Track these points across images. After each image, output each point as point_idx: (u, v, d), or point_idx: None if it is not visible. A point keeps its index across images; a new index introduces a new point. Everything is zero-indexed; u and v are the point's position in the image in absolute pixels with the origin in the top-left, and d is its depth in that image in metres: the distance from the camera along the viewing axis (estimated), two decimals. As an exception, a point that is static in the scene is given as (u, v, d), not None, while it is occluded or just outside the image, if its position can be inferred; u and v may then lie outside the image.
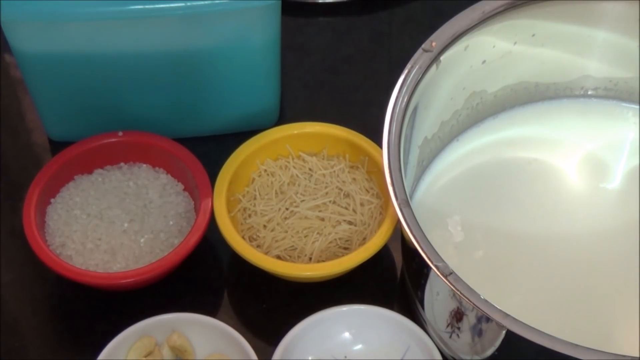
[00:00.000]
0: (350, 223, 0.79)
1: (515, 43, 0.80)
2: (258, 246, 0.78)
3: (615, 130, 0.84)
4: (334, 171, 0.81)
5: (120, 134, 0.83)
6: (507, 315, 0.62)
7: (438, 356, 0.72)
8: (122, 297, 0.79)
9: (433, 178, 0.81)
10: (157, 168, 0.83)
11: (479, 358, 0.69)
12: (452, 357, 0.72)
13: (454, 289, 0.64)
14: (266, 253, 0.77)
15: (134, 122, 0.84)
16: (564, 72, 0.84)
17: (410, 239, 0.66)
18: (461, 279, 0.64)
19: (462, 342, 0.69)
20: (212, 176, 0.80)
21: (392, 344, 0.74)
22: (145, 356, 0.73)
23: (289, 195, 0.80)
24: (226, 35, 0.80)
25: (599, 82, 0.85)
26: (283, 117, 0.90)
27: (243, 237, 0.78)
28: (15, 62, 0.84)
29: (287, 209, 0.79)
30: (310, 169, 0.82)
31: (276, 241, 0.78)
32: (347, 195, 0.80)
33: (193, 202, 0.81)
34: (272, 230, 0.78)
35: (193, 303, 0.79)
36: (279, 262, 0.76)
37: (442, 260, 0.65)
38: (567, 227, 0.79)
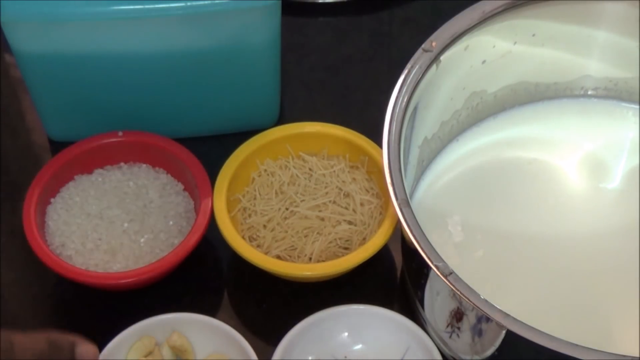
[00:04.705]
0: (350, 223, 0.79)
1: (515, 43, 0.80)
2: (258, 246, 0.78)
3: (615, 130, 0.84)
4: (334, 171, 0.81)
5: (120, 134, 0.83)
6: (507, 315, 0.62)
7: (438, 356, 0.72)
8: (122, 297, 0.79)
9: (433, 178, 0.81)
10: (157, 168, 0.83)
11: (479, 358, 0.69)
12: (452, 357, 0.72)
13: (454, 288, 0.64)
14: (266, 253, 0.77)
15: (133, 122, 0.84)
16: (564, 72, 0.84)
17: (410, 239, 0.66)
18: (461, 279, 0.64)
19: (462, 342, 0.69)
20: (212, 176, 0.80)
21: (392, 344, 0.74)
22: (145, 356, 0.73)
23: (289, 195, 0.80)
24: (226, 35, 0.80)
25: (599, 82, 0.85)
26: (283, 117, 0.90)
27: (243, 237, 0.78)
28: (15, 62, 0.84)
29: (287, 208, 0.79)
30: (310, 169, 0.82)
31: (276, 241, 0.78)
32: (347, 195, 0.80)
33: (193, 202, 0.81)
34: (272, 230, 0.78)
35: (193, 303, 0.79)
36: (279, 262, 0.76)
37: (442, 260, 0.65)
38: (567, 227, 0.79)
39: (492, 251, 0.77)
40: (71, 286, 0.79)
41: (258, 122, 0.87)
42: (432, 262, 0.65)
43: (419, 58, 0.74)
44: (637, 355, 0.62)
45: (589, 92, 0.86)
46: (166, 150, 0.82)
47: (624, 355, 0.60)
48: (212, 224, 0.78)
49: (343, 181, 0.81)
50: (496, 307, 0.63)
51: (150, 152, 0.83)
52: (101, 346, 0.73)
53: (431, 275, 0.68)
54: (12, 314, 0.80)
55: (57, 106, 0.86)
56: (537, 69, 0.83)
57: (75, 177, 0.82)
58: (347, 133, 0.82)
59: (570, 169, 0.82)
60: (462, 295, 0.63)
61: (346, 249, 0.78)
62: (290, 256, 0.77)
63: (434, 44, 0.75)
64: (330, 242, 0.77)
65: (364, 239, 0.78)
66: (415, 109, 0.74)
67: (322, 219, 0.79)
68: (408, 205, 0.68)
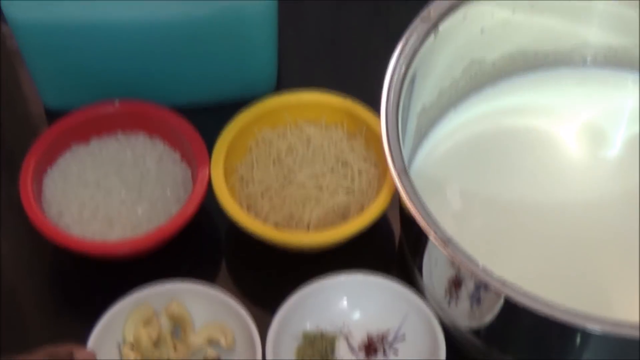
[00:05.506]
0: (348, 192, 0.79)
1: (514, 11, 0.80)
2: (256, 215, 0.78)
3: (614, 98, 0.84)
4: (332, 140, 0.81)
5: (117, 103, 0.83)
6: (505, 282, 0.62)
7: (436, 323, 0.72)
8: (120, 267, 0.79)
9: (431, 147, 0.81)
10: (154, 137, 0.83)
11: (478, 325, 0.69)
12: (451, 325, 0.72)
13: (452, 256, 0.64)
14: (264, 222, 0.77)
15: (130, 91, 0.84)
16: (563, 40, 0.84)
17: (409, 208, 0.66)
18: (459, 247, 0.64)
19: (460, 309, 0.69)
20: (210, 147, 0.79)
21: (391, 312, 0.74)
22: (144, 325, 0.73)
23: (286, 164, 0.80)
24: (223, 2, 0.79)
25: (599, 50, 0.84)
26: (281, 86, 0.89)
27: (241, 206, 0.77)
28: (10, 33, 0.83)
29: (284, 177, 0.79)
30: (308, 138, 0.81)
31: (274, 210, 0.77)
32: (345, 164, 0.80)
33: (190, 171, 0.81)
34: (270, 199, 0.78)
35: (191, 272, 0.79)
36: (277, 230, 0.76)
37: (441, 229, 0.64)
38: (566, 195, 0.78)
39: (490, 220, 0.77)
40: (69, 256, 0.79)
41: (255, 91, 0.87)
42: (430, 230, 0.64)
43: (417, 27, 0.74)
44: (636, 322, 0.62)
45: (588, 60, 0.85)
46: (163, 119, 0.82)
47: (623, 322, 0.61)
48: (210, 194, 0.78)
49: (341, 150, 0.80)
50: (494, 275, 0.63)
51: (147, 121, 0.82)
52: (100, 315, 0.73)
53: (430, 243, 0.68)
54: (10, 284, 0.80)
55: (53, 76, 0.85)
56: (536, 38, 0.83)
57: (72, 146, 0.82)
58: (346, 102, 0.82)
59: (570, 137, 0.82)
60: (460, 263, 0.63)
61: (344, 217, 0.78)
62: (288, 225, 0.77)
63: (432, 13, 0.75)
64: (329, 211, 0.77)
65: (362, 207, 0.78)
66: (414, 78, 0.74)
67: (320, 188, 0.78)
68: (406, 174, 0.68)
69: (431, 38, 0.75)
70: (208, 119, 0.84)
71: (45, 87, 0.87)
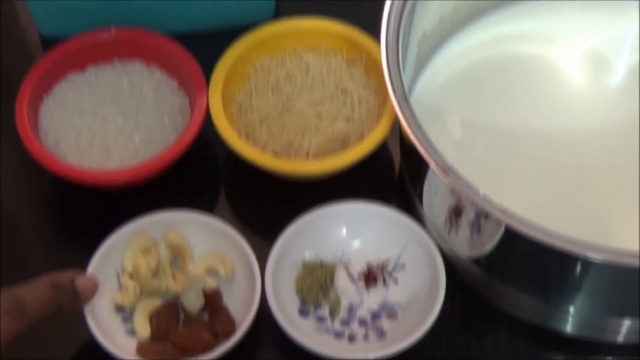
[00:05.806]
0: (348, 120, 0.78)
1: None
2: (254, 143, 0.77)
3: (617, 25, 0.83)
4: (332, 67, 0.80)
5: (113, 30, 0.81)
6: (506, 211, 0.62)
7: (436, 252, 0.72)
8: (118, 196, 0.79)
9: (432, 75, 0.80)
10: (151, 65, 0.82)
11: (478, 254, 0.69)
12: (451, 254, 0.72)
13: (452, 185, 0.63)
14: (263, 150, 0.76)
15: (126, 18, 0.82)
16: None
17: (409, 135, 0.65)
18: (460, 175, 0.63)
19: (460, 238, 0.69)
20: (208, 75, 0.79)
21: (390, 241, 0.74)
22: (143, 254, 0.73)
23: (285, 91, 0.79)
24: None
25: (602, -23, 0.83)
26: (279, 12, 0.88)
27: (239, 134, 0.77)
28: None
29: (283, 105, 0.78)
30: (307, 65, 0.81)
31: (273, 138, 0.77)
32: (344, 92, 0.79)
33: (188, 99, 0.80)
34: (269, 127, 0.77)
35: (189, 201, 0.78)
36: (276, 159, 0.75)
37: (441, 157, 0.64)
38: (568, 123, 0.78)
39: (491, 148, 0.76)
40: (67, 185, 0.78)
41: (254, 18, 0.86)
42: (431, 159, 0.64)
43: (418, -50, 0.73)
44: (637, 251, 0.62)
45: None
46: (160, 47, 0.81)
47: (623, 250, 0.60)
48: (208, 122, 0.77)
49: (341, 77, 0.80)
50: (495, 203, 0.62)
51: (143, 48, 0.81)
52: (98, 244, 0.73)
53: (430, 172, 0.68)
54: (10, 213, 0.80)
55: (49, 2, 0.84)
56: (539, -37, 0.82)
57: (68, 74, 0.81)
58: (345, 29, 0.81)
59: (572, 64, 0.81)
60: (461, 192, 0.63)
61: (344, 145, 0.77)
62: (287, 153, 0.77)
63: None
64: (328, 139, 0.77)
65: (362, 135, 0.77)
66: (414, 4, 0.73)
67: (320, 116, 0.78)
68: (407, 101, 0.67)
69: (433, -37, 0.74)
70: (206, 46, 0.83)
71: (41, 14, 0.86)
